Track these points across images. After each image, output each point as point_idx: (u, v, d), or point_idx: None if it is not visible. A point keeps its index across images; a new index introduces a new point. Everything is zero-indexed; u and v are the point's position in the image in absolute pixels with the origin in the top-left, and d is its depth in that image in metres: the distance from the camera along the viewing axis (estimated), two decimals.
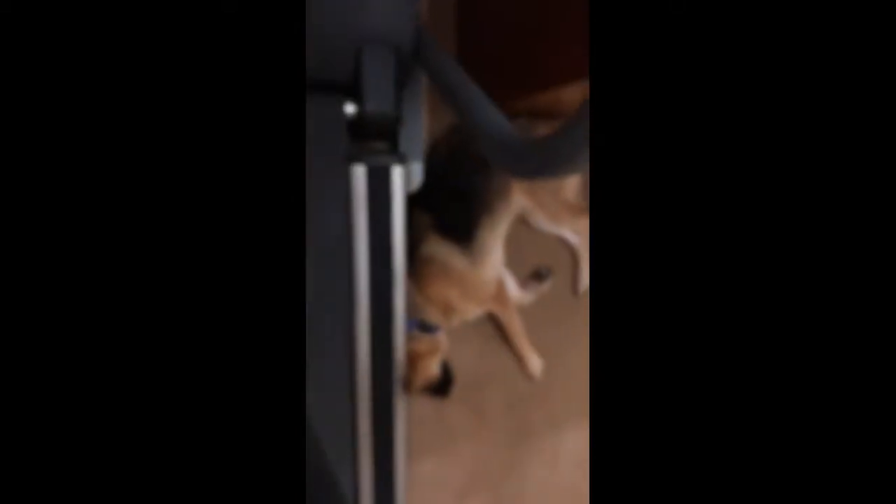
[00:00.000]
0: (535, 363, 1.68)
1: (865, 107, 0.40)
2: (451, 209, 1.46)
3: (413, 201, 1.51)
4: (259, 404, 0.45)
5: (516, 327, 1.63)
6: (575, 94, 1.47)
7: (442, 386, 1.55)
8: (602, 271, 0.45)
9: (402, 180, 1.28)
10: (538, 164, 0.76)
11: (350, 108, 1.24)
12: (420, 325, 1.46)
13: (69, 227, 0.43)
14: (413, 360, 1.38)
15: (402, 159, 1.27)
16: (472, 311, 1.55)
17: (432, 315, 1.48)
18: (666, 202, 0.43)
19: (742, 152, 0.42)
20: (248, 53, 0.46)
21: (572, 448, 1.75)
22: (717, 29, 0.42)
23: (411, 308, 1.45)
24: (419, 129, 1.53)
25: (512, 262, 1.67)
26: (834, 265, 0.41)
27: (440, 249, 1.44)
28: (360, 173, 1.25)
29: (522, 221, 1.68)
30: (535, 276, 1.70)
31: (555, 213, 1.59)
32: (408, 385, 1.34)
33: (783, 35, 0.41)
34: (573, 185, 1.61)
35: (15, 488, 0.41)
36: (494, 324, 1.66)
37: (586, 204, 1.65)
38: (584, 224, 1.64)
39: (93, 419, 0.43)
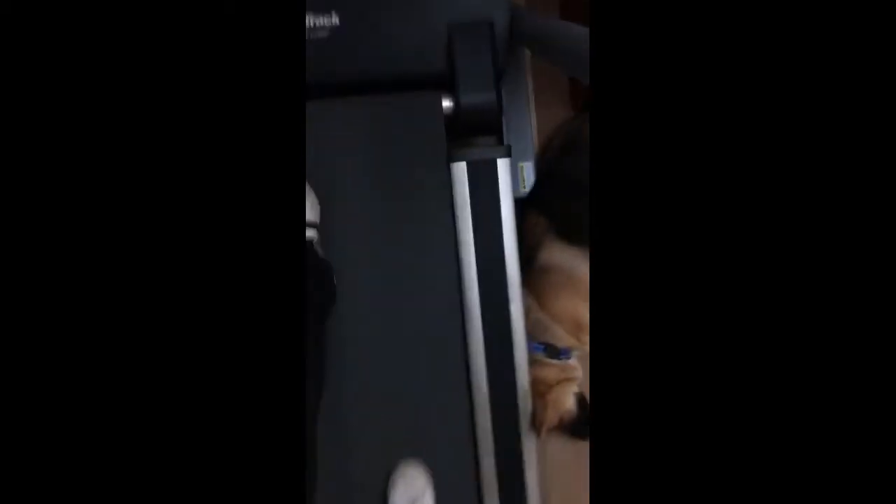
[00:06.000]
0: None
1: (865, 106, 0.40)
2: (571, 209, 1.23)
3: (525, 205, 1.32)
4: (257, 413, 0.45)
5: None
6: None
7: (580, 425, 1.29)
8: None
9: (508, 175, 1.09)
10: None
11: (447, 103, 1.10)
12: (546, 349, 1.23)
13: (70, 230, 0.43)
14: (541, 390, 1.15)
15: (507, 152, 1.09)
16: None
17: (560, 336, 1.24)
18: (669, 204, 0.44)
19: (738, 152, 0.42)
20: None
21: None
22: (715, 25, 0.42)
23: (533, 329, 1.23)
24: (526, 123, 1.35)
25: None
26: (832, 266, 0.41)
27: (562, 256, 1.22)
28: (460, 170, 1.08)
29: None
30: None
31: None
32: (537, 422, 1.10)
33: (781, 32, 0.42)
34: None
35: (15, 488, 0.42)
36: None
37: None
38: None
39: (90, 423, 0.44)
